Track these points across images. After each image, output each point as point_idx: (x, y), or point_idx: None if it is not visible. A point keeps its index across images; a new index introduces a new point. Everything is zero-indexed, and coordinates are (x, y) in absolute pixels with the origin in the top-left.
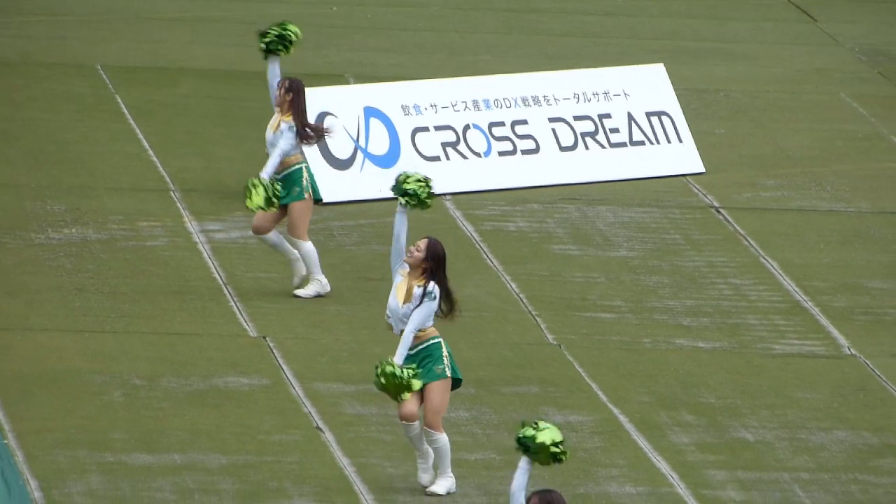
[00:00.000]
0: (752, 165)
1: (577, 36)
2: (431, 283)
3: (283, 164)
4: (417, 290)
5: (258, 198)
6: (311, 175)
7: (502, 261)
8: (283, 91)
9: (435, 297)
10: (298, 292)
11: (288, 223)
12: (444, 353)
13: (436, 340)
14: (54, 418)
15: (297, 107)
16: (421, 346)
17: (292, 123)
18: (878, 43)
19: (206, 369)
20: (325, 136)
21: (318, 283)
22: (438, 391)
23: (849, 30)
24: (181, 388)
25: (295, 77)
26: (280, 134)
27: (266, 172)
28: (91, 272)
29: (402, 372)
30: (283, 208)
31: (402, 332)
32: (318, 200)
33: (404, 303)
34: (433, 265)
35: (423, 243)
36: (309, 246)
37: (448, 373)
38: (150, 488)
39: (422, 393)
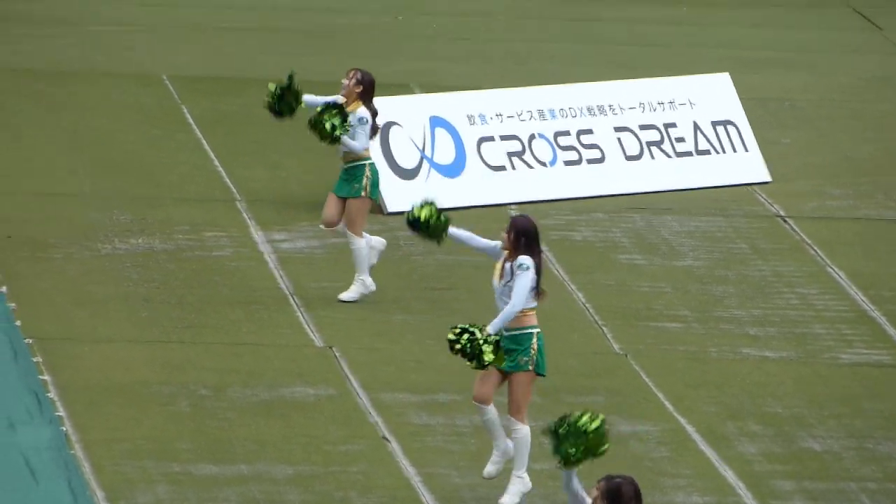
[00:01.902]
0: (817, 174)
1: (641, 45)
2: (521, 256)
3: (349, 156)
4: (507, 266)
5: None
6: (374, 173)
7: (568, 270)
8: (353, 82)
9: (528, 268)
10: (342, 296)
11: (345, 217)
12: (534, 344)
13: (529, 330)
14: (121, 429)
15: (367, 99)
16: (514, 332)
17: (363, 115)
18: None
19: (273, 379)
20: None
21: (362, 284)
22: (520, 382)
23: None
24: (247, 398)
25: (366, 71)
26: (351, 129)
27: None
28: (157, 282)
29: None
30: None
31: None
32: (375, 200)
33: (500, 279)
34: (524, 239)
35: (508, 224)
36: (362, 243)
37: (531, 367)
38: (217, 499)
39: (500, 377)
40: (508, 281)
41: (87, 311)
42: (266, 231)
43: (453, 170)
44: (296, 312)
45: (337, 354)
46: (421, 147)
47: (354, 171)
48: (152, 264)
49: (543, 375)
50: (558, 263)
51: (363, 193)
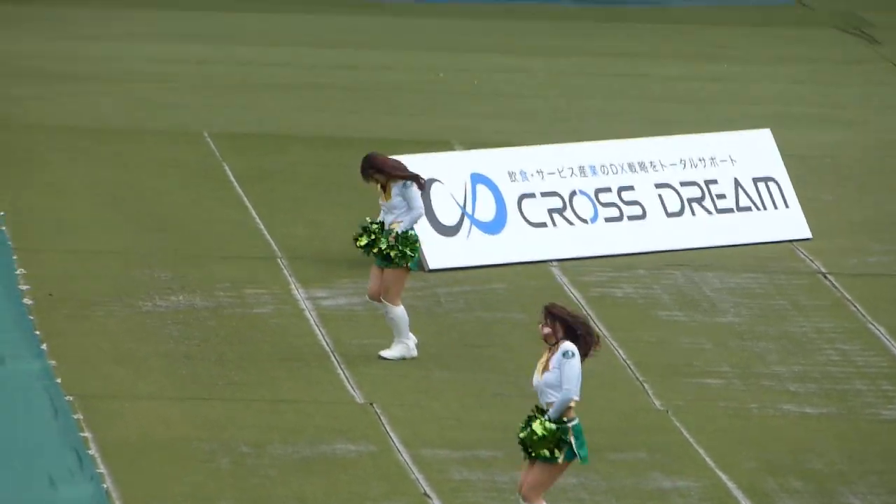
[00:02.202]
0: (858, 231)
1: (682, 101)
2: (565, 343)
3: (390, 227)
4: (554, 359)
5: (362, 240)
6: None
7: (609, 327)
8: (371, 176)
9: (573, 355)
10: (383, 353)
11: (382, 284)
12: (569, 439)
13: (565, 425)
14: (162, 486)
15: (394, 173)
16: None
17: (406, 182)
18: None
19: (314, 436)
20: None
21: (405, 346)
22: (539, 469)
23: None
24: (289, 455)
25: (367, 156)
26: (399, 201)
27: (402, 227)
28: (198, 339)
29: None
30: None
31: (548, 403)
32: (415, 269)
33: (543, 374)
34: (562, 327)
35: (542, 315)
36: (399, 310)
37: (561, 460)
38: None
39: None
40: (555, 375)
41: (128, 369)
42: (307, 288)
43: (494, 226)
44: (336, 369)
45: (378, 411)
46: (462, 204)
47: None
48: (193, 321)
49: (586, 462)
50: (599, 320)
51: (404, 264)
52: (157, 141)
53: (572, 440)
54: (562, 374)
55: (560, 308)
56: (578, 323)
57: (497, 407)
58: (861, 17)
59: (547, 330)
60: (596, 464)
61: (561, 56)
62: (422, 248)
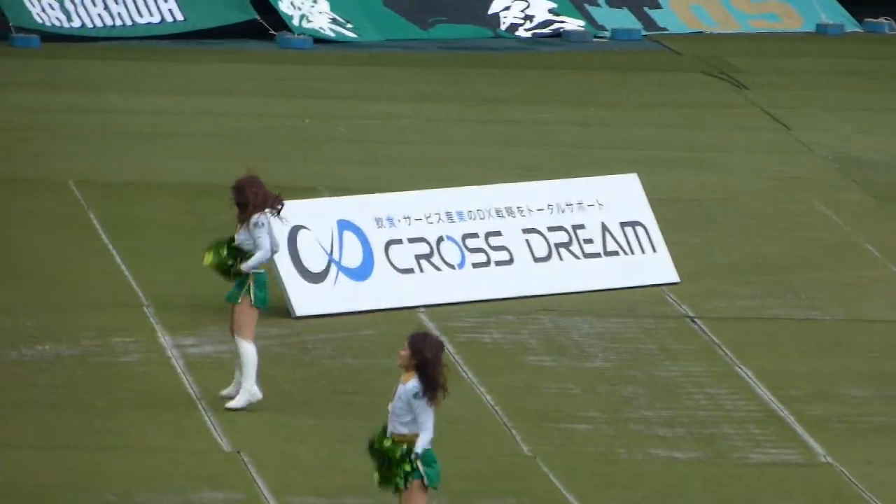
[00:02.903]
0: (726, 274)
1: (550, 146)
2: (412, 381)
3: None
4: (400, 388)
5: (209, 258)
6: (258, 282)
7: (477, 373)
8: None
9: (421, 396)
10: (230, 405)
11: (235, 321)
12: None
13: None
14: None
15: (255, 206)
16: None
17: (256, 220)
18: (852, 151)
19: (180, 485)
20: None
21: (248, 392)
22: (406, 499)
23: (822, 138)
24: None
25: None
26: (248, 236)
27: (247, 266)
28: (64, 388)
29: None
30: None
31: (395, 434)
32: (262, 307)
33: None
34: (420, 360)
35: (407, 342)
36: (248, 347)
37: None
38: None
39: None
40: (401, 406)
41: None
42: (174, 336)
43: (361, 273)
44: (203, 417)
45: (245, 459)
46: (329, 250)
47: (239, 278)
48: (59, 370)
49: (435, 488)
50: (467, 366)
51: (240, 300)
52: (21, 190)
53: (420, 466)
54: (417, 416)
55: (427, 343)
56: (435, 368)
57: (366, 453)
58: (728, 62)
59: (404, 354)
60: None
61: (428, 102)
62: (273, 290)
